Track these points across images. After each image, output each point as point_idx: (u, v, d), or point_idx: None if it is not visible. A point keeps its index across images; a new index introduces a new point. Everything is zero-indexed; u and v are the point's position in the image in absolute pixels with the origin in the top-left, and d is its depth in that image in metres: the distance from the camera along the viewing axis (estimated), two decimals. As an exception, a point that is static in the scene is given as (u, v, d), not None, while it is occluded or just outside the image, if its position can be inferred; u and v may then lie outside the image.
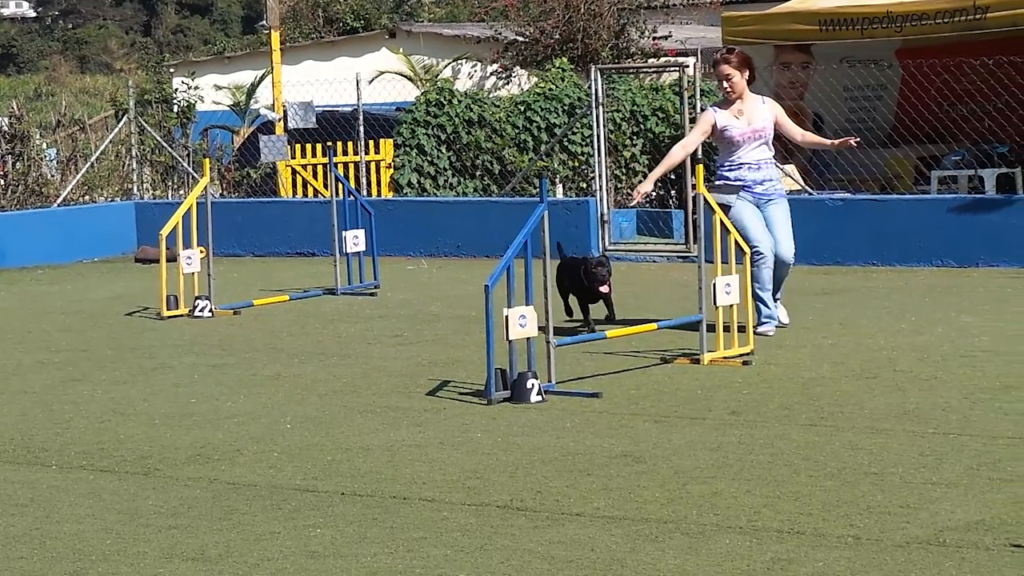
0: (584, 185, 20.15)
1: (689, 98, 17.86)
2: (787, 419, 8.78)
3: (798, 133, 11.78)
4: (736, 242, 10.93)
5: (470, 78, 31.47)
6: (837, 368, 10.34)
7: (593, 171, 18.50)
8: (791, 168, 17.85)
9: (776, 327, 11.69)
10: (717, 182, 11.52)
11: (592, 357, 10.99)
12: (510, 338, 9.58)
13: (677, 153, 11.68)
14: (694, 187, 11.03)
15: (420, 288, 16.02)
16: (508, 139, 20.62)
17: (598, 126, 18.13)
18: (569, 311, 12.31)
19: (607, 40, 25.43)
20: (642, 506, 7.01)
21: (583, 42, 25.20)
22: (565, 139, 20.31)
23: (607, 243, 18.02)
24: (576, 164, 20.43)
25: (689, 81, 17.98)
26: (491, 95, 22.88)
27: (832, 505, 6.89)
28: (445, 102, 20.88)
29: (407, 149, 20.89)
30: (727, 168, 11.51)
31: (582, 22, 25.22)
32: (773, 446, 8.11)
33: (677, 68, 19.05)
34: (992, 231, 15.66)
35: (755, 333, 11.05)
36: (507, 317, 9.54)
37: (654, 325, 11.01)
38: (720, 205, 10.92)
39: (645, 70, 22.92)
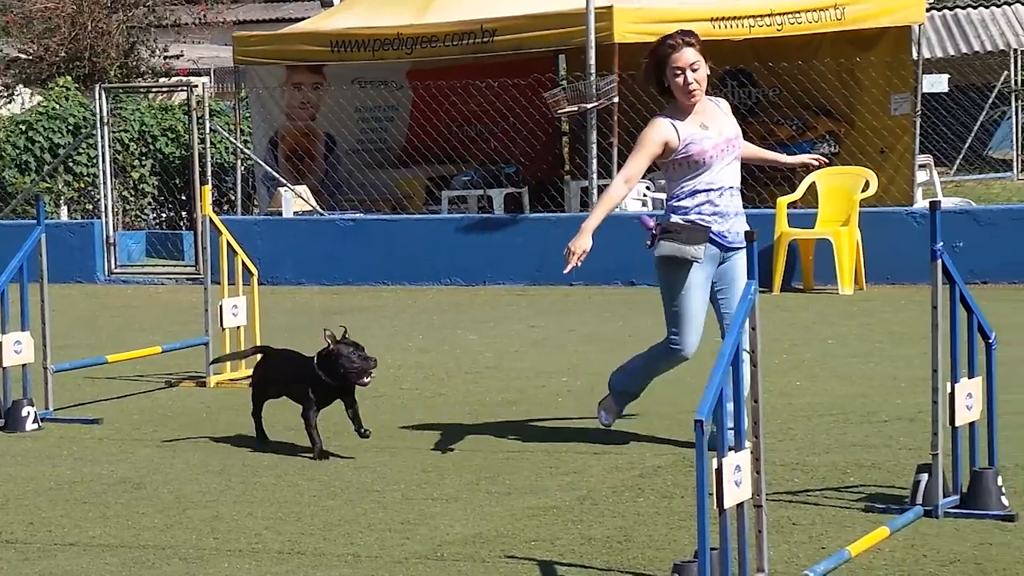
0: (91, 207, 19.62)
1: (199, 118, 17.62)
2: (292, 440, 8.67)
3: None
4: (244, 263, 10.76)
5: (-30, 97, 30.27)
6: (344, 387, 10.29)
7: (99, 192, 18.02)
8: (302, 188, 17.82)
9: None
10: (674, 218, 7.88)
11: (94, 383, 10.66)
12: (4, 365, 9.20)
13: (619, 190, 7.99)
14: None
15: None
16: (9, 160, 19.90)
17: (103, 146, 17.69)
18: (262, 432, 8.72)
19: (116, 59, 24.88)
20: (140, 533, 6.81)
21: (90, 60, 24.56)
22: (70, 160, 19.73)
23: (113, 266, 17.59)
24: (82, 185, 19.88)
25: (198, 101, 17.73)
26: (-8, 114, 22.03)
27: (334, 524, 6.86)
28: (-61, 121, 20.00)
29: None
30: (691, 198, 7.88)
31: (89, 40, 24.58)
32: (278, 467, 8.03)
33: (186, 88, 18.77)
34: (499, 250, 15.99)
35: (600, 414, 8.45)
36: (1, 343, 9.15)
37: (158, 348, 10.75)
38: (674, 259, 7.85)
39: (155, 89, 22.54)
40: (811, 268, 14.78)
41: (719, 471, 5.30)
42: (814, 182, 14.84)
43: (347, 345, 8.16)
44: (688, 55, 7.84)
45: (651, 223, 7.98)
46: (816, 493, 7.08)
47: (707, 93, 7.91)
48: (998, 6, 27.40)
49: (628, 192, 8.09)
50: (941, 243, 6.60)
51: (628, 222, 15.75)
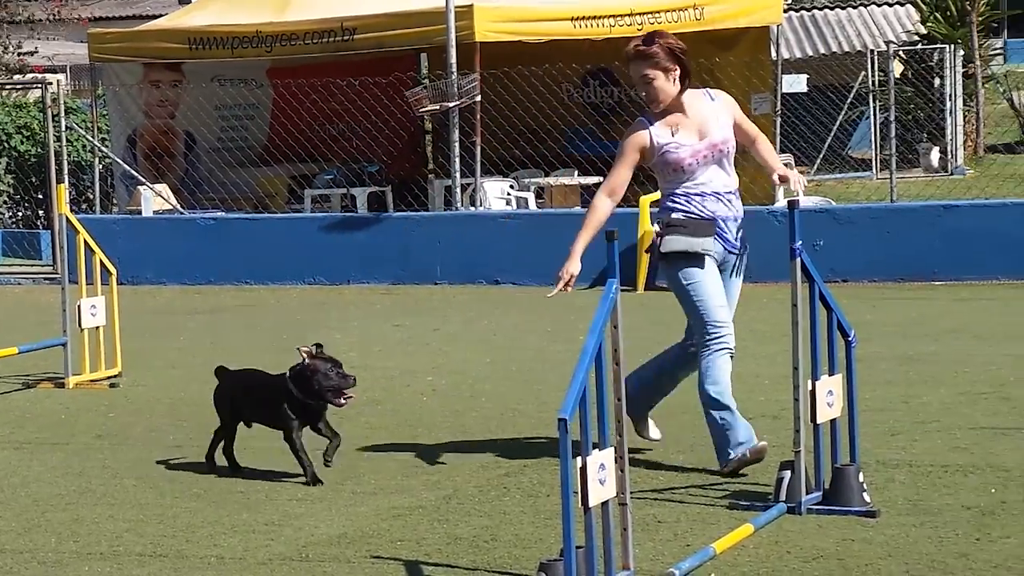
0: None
1: (54, 116, 17.36)
2: (154, 441, 8.61)
3: (756, 135, 7.70)
4: (102, 262, 10.61)
5: None
6: (206, 388, 10.15)
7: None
8: (162, 187, 17.62)
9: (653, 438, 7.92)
10: (673, 216, 7.44)
11: (-51, 384, 10.47)
12: None
13: (603, 205, 7.41)
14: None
15: None
16: None
17: (-44, 145, 17.38)
18: (232, 463, 7.82)
19: (-33, 55, 24.50)
20: (-4, 538, 6.69)
21: (-59, 57, 24.18)
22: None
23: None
24: (-65, 184, 19.52)
25: (54, 98, 17.46)
26: None
27: (197, 526, 6.79)
28: None
29: None
30: (683, 197, 7.43)
31: (-65, 38, 24.19)
32: (139, 469, 7.94)
33: (41, 85, 18.47)
34: (363, 249, 15.92)
35: (724, 468, 7.38)
36: None
37: (15, 349, 10.57)
38: (684, 254, 7.37)
39: (9, 86, 22.20)
40: (674, 266, 14.86)
41: (583, 470, 5.30)
42: (676, 181, 14.92)
43: (324, 361, 7.49)
44: (638, 69, 7.37)
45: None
46: (681, 491, 7.11)
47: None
48: (855, 7, 27.79)
49: (614, 205, 7.45)
50: (800, 242, 6.67)
51: (492, 221, 15.82)
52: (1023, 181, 17.87)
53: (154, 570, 6.17)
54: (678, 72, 7.35)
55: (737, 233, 7.48)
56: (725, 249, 7.45)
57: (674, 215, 7.41)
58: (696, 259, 7.35)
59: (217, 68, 18.36)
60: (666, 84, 7.34)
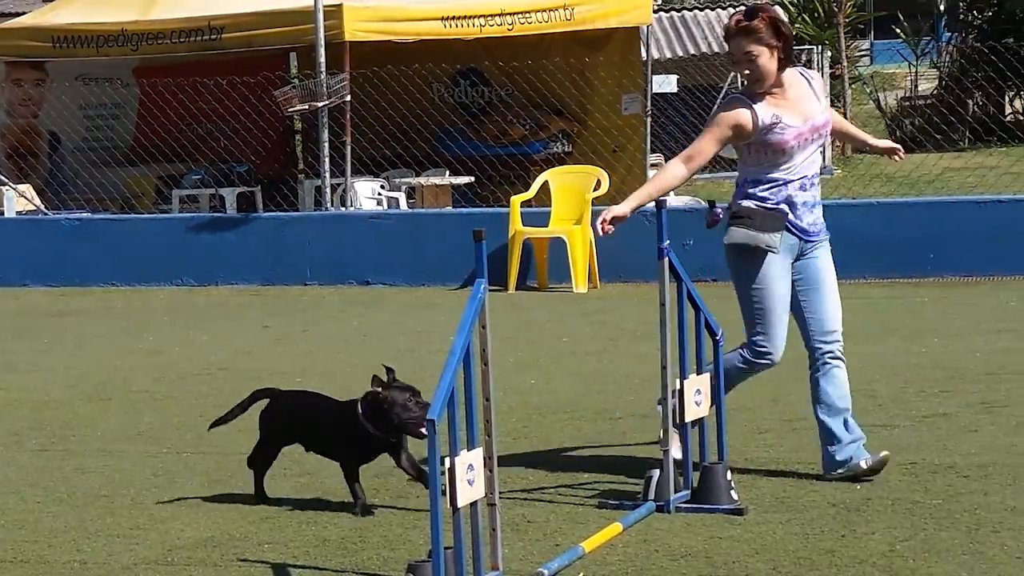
0: None
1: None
2: (16, 445, 8.46)
3: (835, 114, 7.39)
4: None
5: None
6: (70, 391, 10.06)
7: None
8: (25, 187, 17.35)
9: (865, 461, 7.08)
10: (743, 204, 6.96)
11: None
12: None
13: (676, 170, 6.94)
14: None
15: None
16: None
17: None
18: (262, 492, 7.10)
19: None
20: None
21: None
22: None
23: None
24: None
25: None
26: None
27: (59, 531, 6.68)
28: None
29: None
30: (768, 186, 6.94)
31: None
32: (-1, 474, 7.80)
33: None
34: (231, 249, 15.77)
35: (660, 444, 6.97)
36: None
37: None
38: (746, 248, 6.95)
39: None
40: (545, 266, 14.87)
41: (451, 470, 5.27)
42: (547, 181, 14.95)
43: (402, 391, 6.77)
44: (739, 45, 6.84)
45: (719, 211, 7.12)
46: (550, 491, 7.10)
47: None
48: (724, 8, 28.01)
49: (689, 174, 6.94)
50: (668, 241, 6.68)
51: (363, 221, 15.73)
52: (889, 181, 18.08)
53: (14, 576, 6.08)
54: (781, 48, 6.86)
55: (813, 218, 7.01)
56: (800, 239, 6.99)
57: (744, 202, 6.94)
58: (759, 255, 6.94)
59: (82, 67, 18.13)
60: (770, 62, 6.85)
